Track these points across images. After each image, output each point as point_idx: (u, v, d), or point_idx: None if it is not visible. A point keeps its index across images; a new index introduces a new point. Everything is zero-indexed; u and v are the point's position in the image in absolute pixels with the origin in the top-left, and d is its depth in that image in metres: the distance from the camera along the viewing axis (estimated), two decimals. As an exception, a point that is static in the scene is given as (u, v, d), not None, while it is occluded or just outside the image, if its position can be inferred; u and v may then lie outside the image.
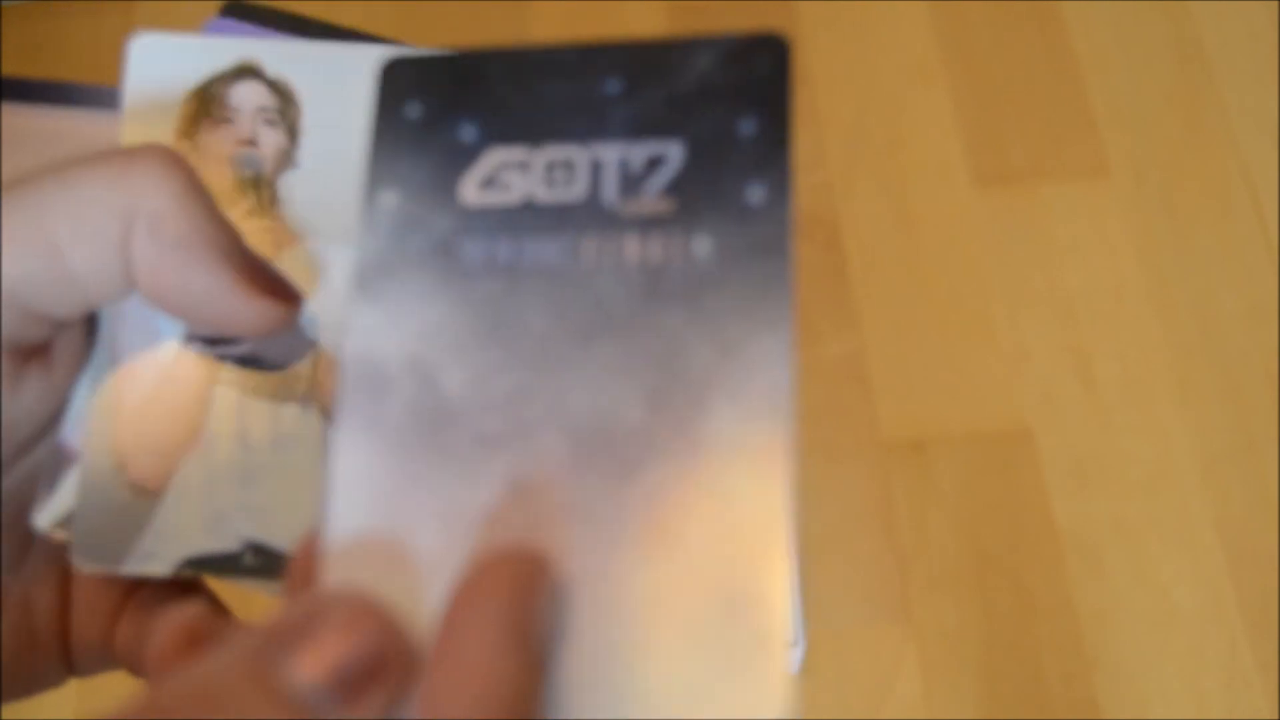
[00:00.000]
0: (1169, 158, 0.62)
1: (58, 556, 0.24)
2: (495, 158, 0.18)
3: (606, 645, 0.16)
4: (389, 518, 0.17)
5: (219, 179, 0.23)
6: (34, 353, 0.22)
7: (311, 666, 0.16)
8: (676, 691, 0.16)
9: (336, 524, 0.17)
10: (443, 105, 0.18)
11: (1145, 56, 0.64)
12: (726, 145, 0.18)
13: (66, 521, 0.23)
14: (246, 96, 0.24)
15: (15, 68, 0.65)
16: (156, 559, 0.22)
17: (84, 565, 0.23)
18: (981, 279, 0.60)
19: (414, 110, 0.19)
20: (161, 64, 0.24)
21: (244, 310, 0.21)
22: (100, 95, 0.62)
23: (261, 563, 0.23)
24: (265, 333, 0.22)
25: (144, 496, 0.23)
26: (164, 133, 0.23)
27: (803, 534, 0.53)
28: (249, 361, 0.23)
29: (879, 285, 0.60)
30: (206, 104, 0.24)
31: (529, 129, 0.18)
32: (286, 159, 0.23)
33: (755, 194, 0.17)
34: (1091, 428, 0.57)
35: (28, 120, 0.62)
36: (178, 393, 0.23)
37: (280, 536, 0.23)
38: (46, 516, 0.23)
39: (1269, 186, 0.61)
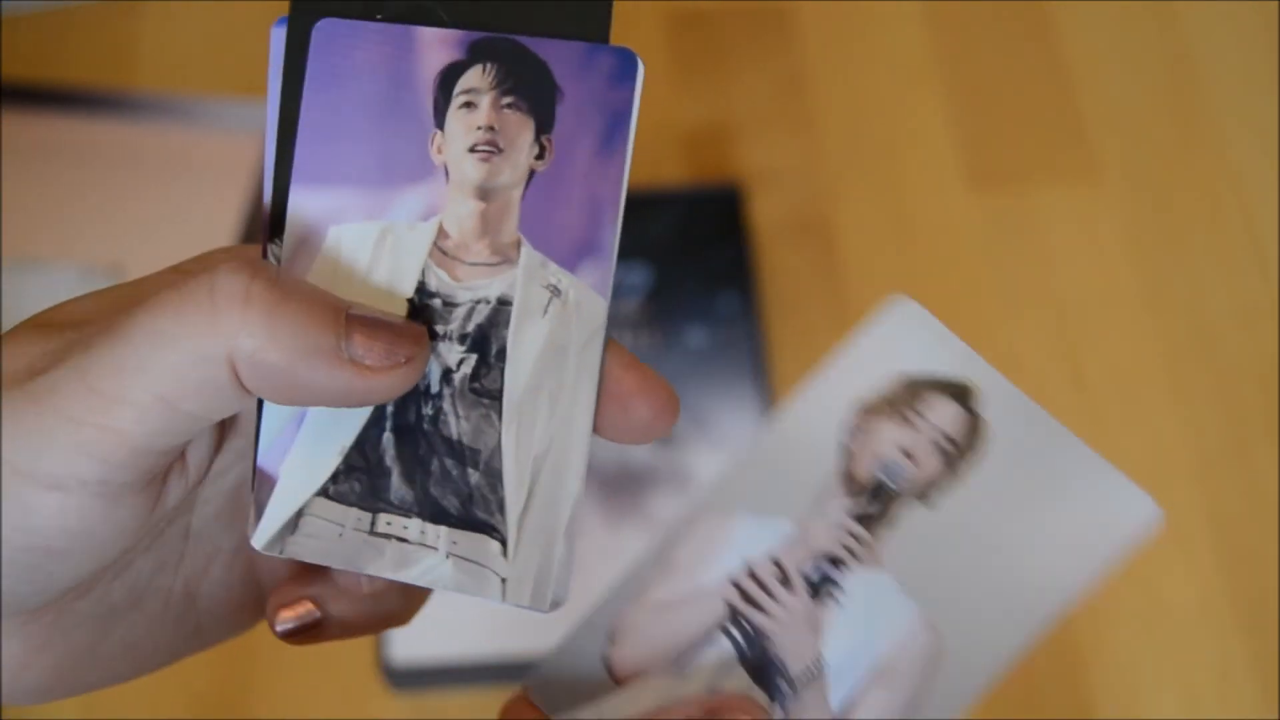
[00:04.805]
0: (1160, 162, 0.62)
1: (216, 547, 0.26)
2: None
3: None
4: None
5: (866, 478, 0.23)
6: (173, 464, 0.23)
7: None
8: None
9: None
10: None
11: (1137, 61, 0.65)
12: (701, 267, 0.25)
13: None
14: (943, 414, 0.23)
15: (18, 74, 0.66)
16: None
17: (539, 702, 0.23)
18: (975, 281, 0.60)
19: None
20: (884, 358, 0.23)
21: (371, 390, 0.21)
22: (106, 102, 0.62)
23: None
24: (407, 384, 0.22)
25: (608, 677, 0.23)
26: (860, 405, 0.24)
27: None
28: (751, 638, 0.23)
29: (874, 287, 0.60)
30: (909, 396, 0.23)
31: None
32: (933, 487, 0.22)
33: (727, 301, 0.23)
34: (1084, 429, 0.57)
35: (32, 127, 0.62)
36: (685, 621, 0.23)
37: None
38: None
39: (1258, 191, 0.61)
